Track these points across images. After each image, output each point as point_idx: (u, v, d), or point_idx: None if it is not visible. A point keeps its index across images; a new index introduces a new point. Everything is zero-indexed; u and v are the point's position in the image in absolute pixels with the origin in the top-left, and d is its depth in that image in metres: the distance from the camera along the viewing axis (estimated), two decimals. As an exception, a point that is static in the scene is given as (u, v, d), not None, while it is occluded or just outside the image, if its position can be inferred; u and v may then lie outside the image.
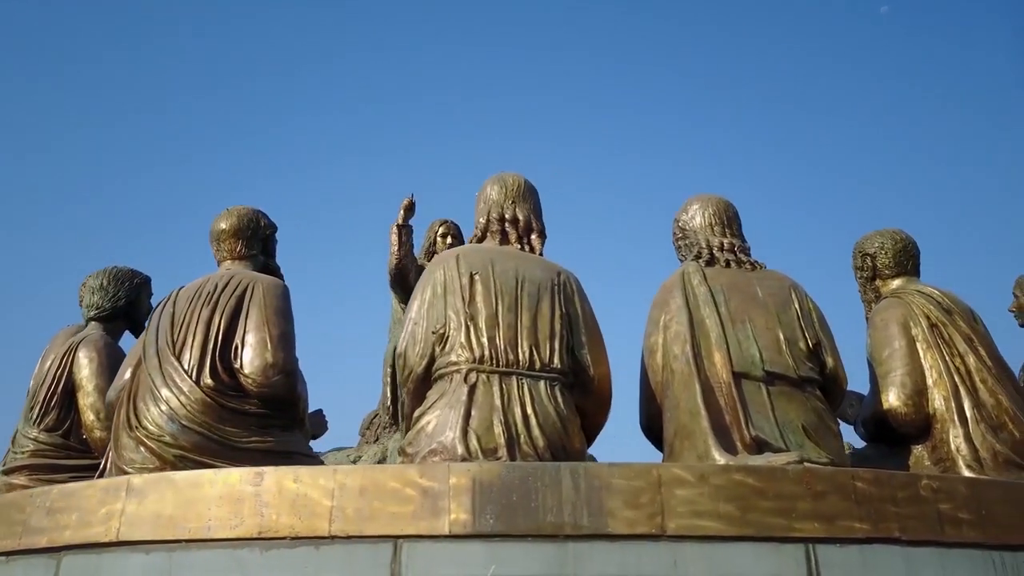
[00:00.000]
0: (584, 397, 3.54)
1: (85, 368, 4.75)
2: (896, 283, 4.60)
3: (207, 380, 3.69)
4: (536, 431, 3.20)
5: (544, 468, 2.95)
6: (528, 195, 4.05)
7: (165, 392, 3.64)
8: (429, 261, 8.16)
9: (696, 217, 4.32)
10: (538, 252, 3.88)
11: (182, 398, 3.63)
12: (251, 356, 3.80)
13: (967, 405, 4.00)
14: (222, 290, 3.99)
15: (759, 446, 3.43)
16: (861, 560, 2.97)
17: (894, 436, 4.17)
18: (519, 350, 3.35)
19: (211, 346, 3.78)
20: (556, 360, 3.39)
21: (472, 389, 3.26)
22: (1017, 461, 3.89)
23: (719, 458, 3.33)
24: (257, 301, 3.96)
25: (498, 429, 3.16)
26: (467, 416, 3.18)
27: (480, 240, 3.88)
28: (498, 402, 3.22)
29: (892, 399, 4.10)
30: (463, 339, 3.35)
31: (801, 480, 3.03)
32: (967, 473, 3.87)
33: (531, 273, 3.60)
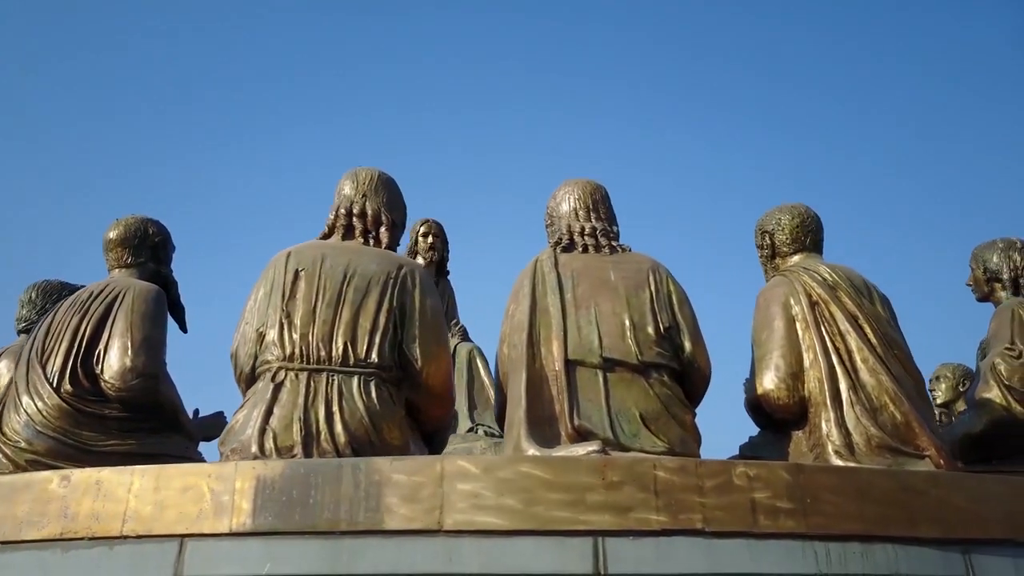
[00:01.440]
0: (414, 392, 3.49)
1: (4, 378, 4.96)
2: (793, 260, 4.36)
3: (67, 386, 3.81)
4: (339, 427, 3.17)
5: (325, 465, 2.92)
6: (381, 188, 4.01)
7: (26, 399, 3.78)
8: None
9: (562, 203, 4.20)
10: (385, 245, 3.84)
11: (40, 404, 3.75)
12: (111, 361, 3.89)
13: (843, 387, 3.75)
14: (95, 297, 4.10)
15: (583, 436, 3.31)
16: (656, 553, 2.83)
17: (772, 421, 3.96)
18: (333, 346, 3.32)
19: (74, 352, 3.90)
20: (374, 355, 3.35)
21: (278, 387, 3.26)
22: (893, 445, 3.63)
23: (529, 449, 3.23)
24: (125, 307, 4.05)
25: (296, 427, 3.15)
26: (267, 414, 3.19)
27: (327, 236, 3.87)
28: (301, 400, 3.21)
29: (766, 382, 3.89)
30: (275, 337, 3.35)
31: (596, 471, 2.90)
32: (835, 460, 3.64)
33: (364, 267, 3.57)
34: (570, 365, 3.50)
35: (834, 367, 3.80)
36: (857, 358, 3.82)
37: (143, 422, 3.95)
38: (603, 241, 3.99)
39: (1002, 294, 5.32)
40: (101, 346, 3.95)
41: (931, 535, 3.10)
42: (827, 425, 3.68)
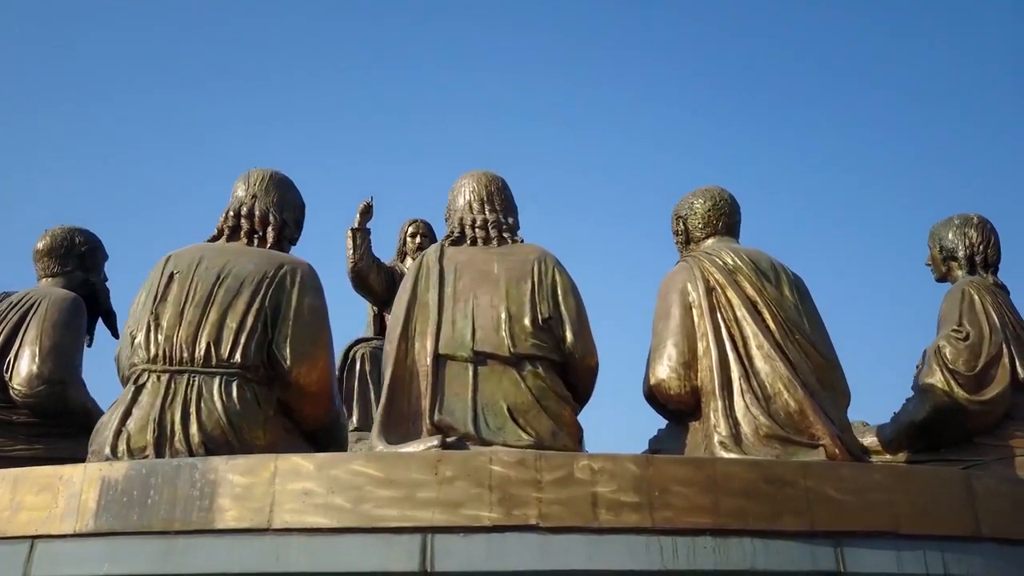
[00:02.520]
0: (285, 391, 3.50)
1: None
2: (706, 245, 4.21)
3: (-22, 394, 3.95)
4: (194, 428, 3.20)
5: (165, 465, 2.94)
6: (273, 188, 4.03)
7: None
8: (401, 261, 8.28)
9: (459, 196, 4.14)
10: (270, 244, 3.85)
11: (-48, 411, 3.90)
12: (20, 368, 4.02)
13: (735, 375, 3.61)
14: (13, 307, 4.24)
15: (443, 431, 3.26)
16: (487, 550, 2.77)
17: (669, 413, 3.84)
18: (196, 347, 3.35)
19: (-13, 360, 4.03)
20: (238, 355, 3.37)
21: (139, 389, 3.31)
22: (783, 435, 3.47)
23: (378, 446, 3.20)
24: (39, 315, 4.17)
25: (151, 428, 3.18)
26: (125, 416, 3.23)
27: (215, 238, 3.90)
28: (159, 401, 3.24)
29: (659, 372, 3.76)
30: (142, 340, 3.40)
31: (429, 467, 2.85)
32: (719, 451, 3.50)
33: (240, 268, 3.59)
34: (440, 360, 3.45)
35: (727, 355, 3.65)
36: (752, 345, 3.67)
37: (53, 427, 4.06)
38: (493, 233, 3.92)
39: (959, 273, 5.05)
40: (12, 354, 4.07)
41: (796, 528, 2.96)
42: (715, 415, 3.55)
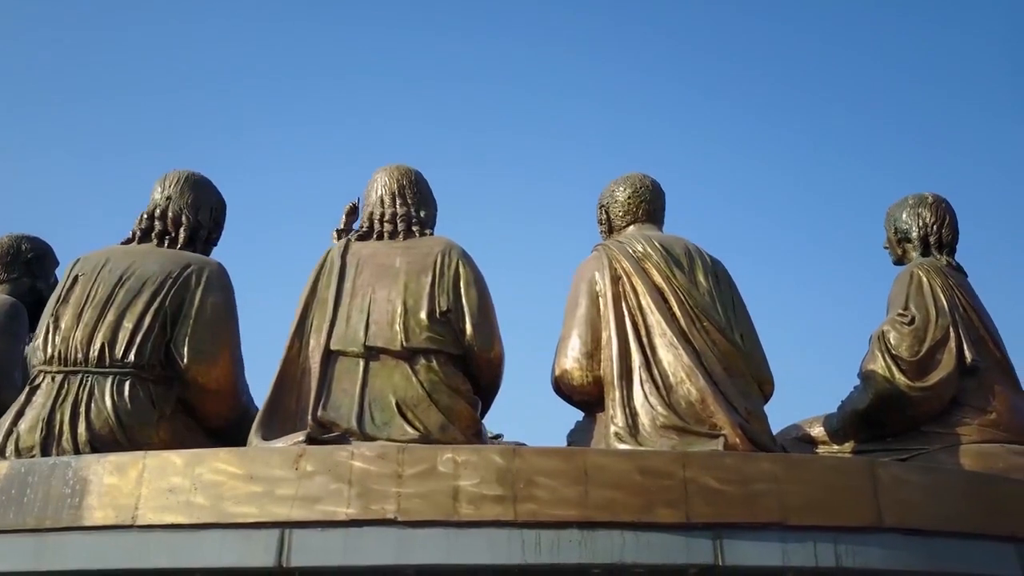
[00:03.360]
0: (184, 390, 3.53)
1: None
2: (626, 233, 4.12)
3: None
4: (82, 428, 3.25)
5: (41, 464, 2.99)
6: (188, 190, 4.06)
7: None
8: None
9: (372, 192, 4.12)
10: (181, 244, 3.89)
11: None
12: (-45, 373, 4.14)
13: (636, 365, 3.52)
14: (-49, 315, 4.36)
15: (326, 428, 3.25)
16: (344, 545, 2.75)
17: (575, 403, 3.76)
18: (91, 347, 3.40)
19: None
20: (132, 355, 3.41)
21: (33, 391, 3.37)
22: (680, 425, 3.37)
23: (254, 443, 3.20)
24: None
25: (39, 428, 3.24)
26: (17, 418, 3.30)
27: (129, 241, 3.94)
28: (50, 402, 3.30)
29: (563, 363, 3.69)
30: (41, 342, 3.46)
31: (289, 462, 2.85)
32: (615, 443, 3.41)
33: (144, 269, 3.63)
34: (332, 356, 3.44)
35: (628, 344, 3.56)
36: (655, 333, 3.57)
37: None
38: (401, 226, 3.90)
39: (914, 255, 4.85)
40: None
41: (671, 520, 2.87)
42: (612, 406, 3.46)
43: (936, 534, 3.19)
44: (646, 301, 3.64)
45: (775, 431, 3.85)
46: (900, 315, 4.43)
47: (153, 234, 3.91)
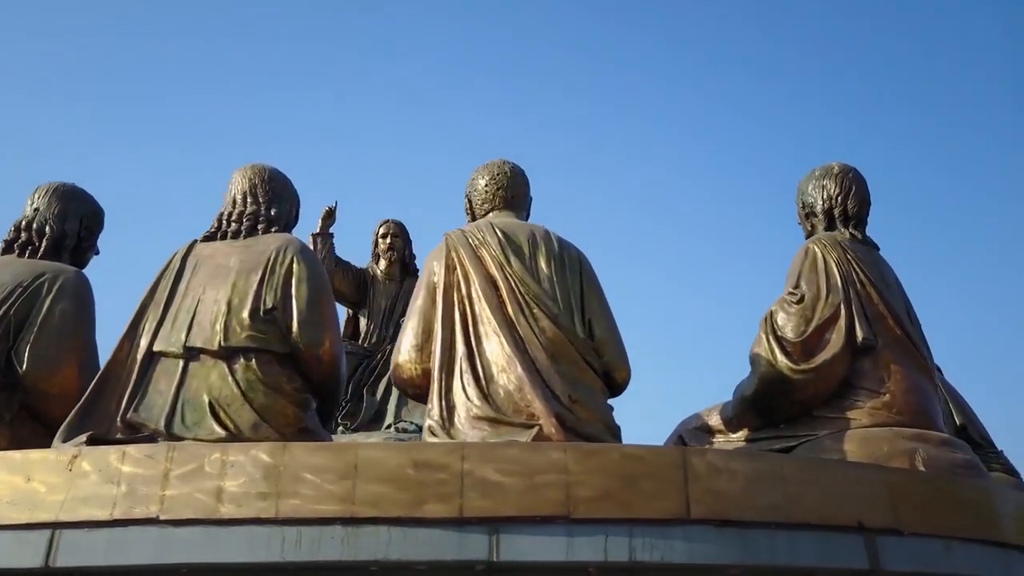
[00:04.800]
0: (27, 396, 3.64)
1: None
2: (477, 221, 4.01)
3: None
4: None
5: None
6: (55, 200, 4.15)
7: None
8: (375, 263, 8.40)
9: (227, 194, 4.11)
10: (41, 255, 3.99)
11: None
12: None
13: (459, 355, 3.41)
14: None
15: (134, 429, 3.27)
16: (108, 545, 2.76)
17: (411, 396, 3.68)
18: None
19: None
20: None
21: None
22: (493, 416, 3.25)
23: (55, 445, 3.24)
24: None
25: None
26: None
27: (2, 252, 4.07)
28: None
29: (397, 356, 3.61)
30: None
31: (63, 464, 2.88)
32: (427, 436, 3.32)
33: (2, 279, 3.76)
34: (155, 357, 3.47)
35: (454, 335, 3.47)
36: (481, 323, 3.47)
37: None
38: (247, 224, 3.89)
39: (820, 229, 4.56)
40: None
41: (443, 515, 2.78)
42: (432, 399, 3.38)
43: (757, 525, 2.99)
44: (476, 290, 3.53)
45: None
46: (790, 294, 4.18)
47: (16, 245, 4.03)
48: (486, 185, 4.09)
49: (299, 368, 3.59)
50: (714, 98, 19.08)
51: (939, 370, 6.76)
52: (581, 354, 3.51)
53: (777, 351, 4.01)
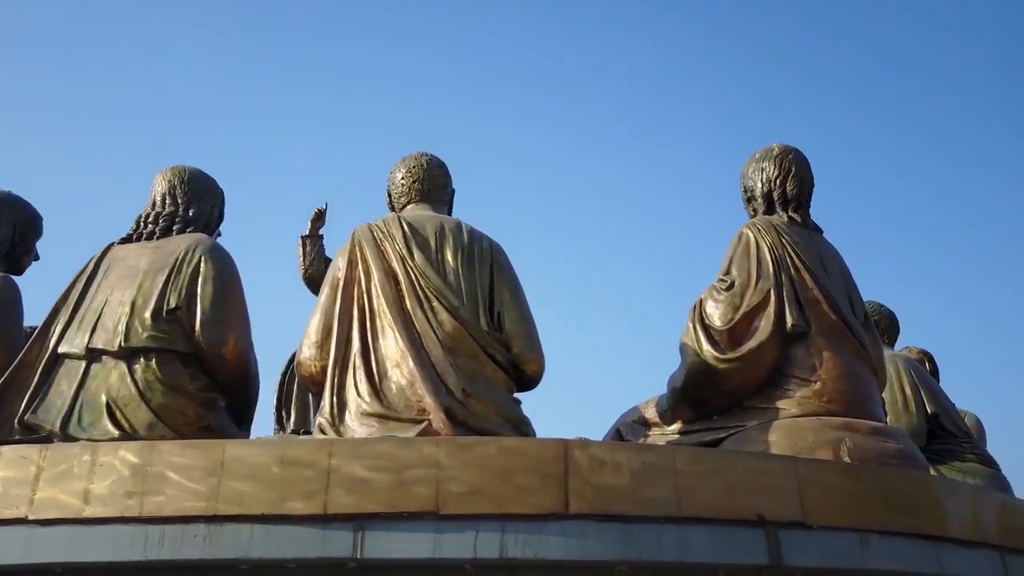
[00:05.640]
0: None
1: None
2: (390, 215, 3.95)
3: None
4: None
5: None
6: None
7: None
8: None
9: (149, 196, 4.14)
10: None
11: None
12: None
13: (355, 351, 3.36)
14: None
15: (31, 430, 3.30)
16: (-21, 544, 2.78)
17: (314, 394, 3.64)
18: None
19: None
20: None
21: None
22: (382, 412, 3.19)
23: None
24: None
25: None
26: None
27: None
28: None
29: (299, 354, 3.57)
30: None
31: None
32: (316, 434, 3.28)
33: None
34: (59, 358, 3.50)
35: (351, 331, 3.42)
36: (378, 318, 3.41)
37: None
38: (162, 224, 3.90)
39: (761, 214, 4.40)
40: None
41: (307, 511, 2.73)
42: (324, 396, 3.33)
43: (643, 520, 2.88)
44: (375, 285, 3.48)
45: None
46: (720, 280, 4.04)
47: None
48: (402, 178, 4.04)
49: (204, 367, 3.58)
50: (660, 94, 18.82)
51: (930, 358, 6.55)
52: (483, 347, 3.43)
53: (703, 340, 3.88)
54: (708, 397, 3.93)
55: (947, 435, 5.10)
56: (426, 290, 3.46)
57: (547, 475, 2.86)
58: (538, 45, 18.94)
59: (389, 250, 3.58)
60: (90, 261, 3.86)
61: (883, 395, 5.13)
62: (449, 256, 3.60)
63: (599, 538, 2.83)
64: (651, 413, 4.25)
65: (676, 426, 4.10)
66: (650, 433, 4.19)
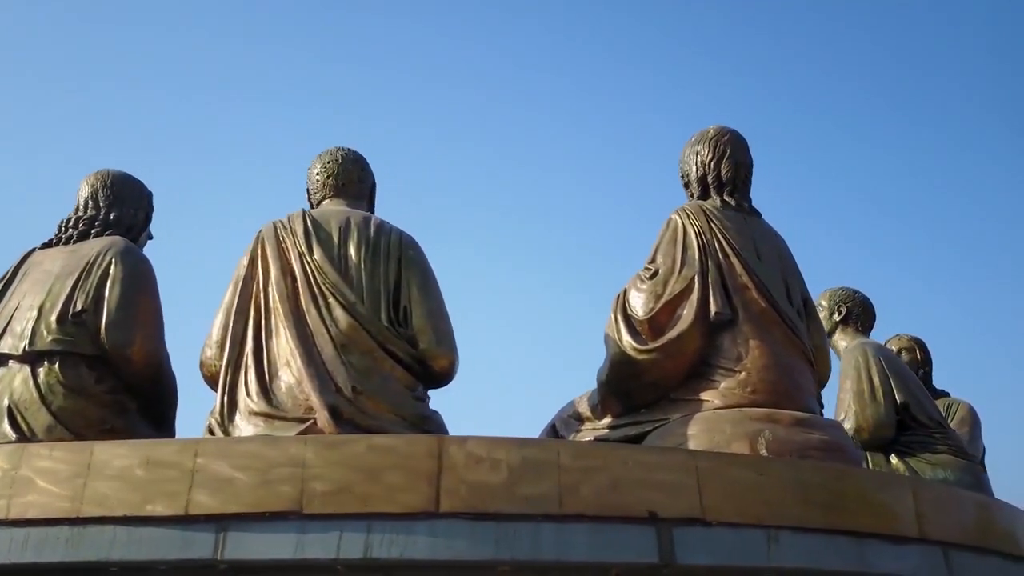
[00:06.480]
0: None
1: None
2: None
3: None
4: None
5: None
6: None
7: None
8: None
9: (77, 198, 4.16)
10: None
11: None
12: None
13: (248, 350, 3.31)
14: None
15: (-67, 435, 3.34)
16: None
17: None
18: None
19: None
20: None
21: None
22: (268, 412, 3.14)
23: None
24: None
25: None
26: None
27: None
28: None
29: (201, 354, 3.53)
30: None
31: None
32: (206, 433, 3.23)
33: None
34: (-23, 363, 3.54)
35: (246, 330, 3.38)
36: (273, 315, 3.36)
37: None
38: (81, 228, 3.91)
39: (696, 199, 4.23)
40: None
41: (169, 512, 2.69)
42: (216, 395, 3.29)
43: (520, 518, 2.78)
44: (270, 282, 3.44)
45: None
46: (645, 269, 3.90)
47: None
48: (317, 174, 3.99)
49: (112, 370, 3.58)
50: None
51: (921, 345, 6.26)
52: (380, 343, 3.35)
53: (624, 331, 3.75)
54: (632, 390, 3.79)
55: (918, 426, 4.85)
56: (322, 286, 3.40)
57: (418, 473, 2.78)
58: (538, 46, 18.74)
59: (289, 247, 3.53)
60: (11, 267, 3.90)
61: (850, 385, 4.95)
62: (352, 251, 3.54)
63: (471, 538, 2.73)
64: (584, 408, 4.12)
65: (607, 420, 3.97)
66: (583, 428, 4.06)
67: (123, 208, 4.08)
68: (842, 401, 4.94)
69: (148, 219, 4.26)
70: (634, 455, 2.98)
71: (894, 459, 4.77)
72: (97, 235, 3.92)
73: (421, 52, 18.43)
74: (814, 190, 18.58)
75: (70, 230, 3.95)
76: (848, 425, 4.80)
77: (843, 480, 3.27)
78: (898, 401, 4.85)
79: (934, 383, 6.40)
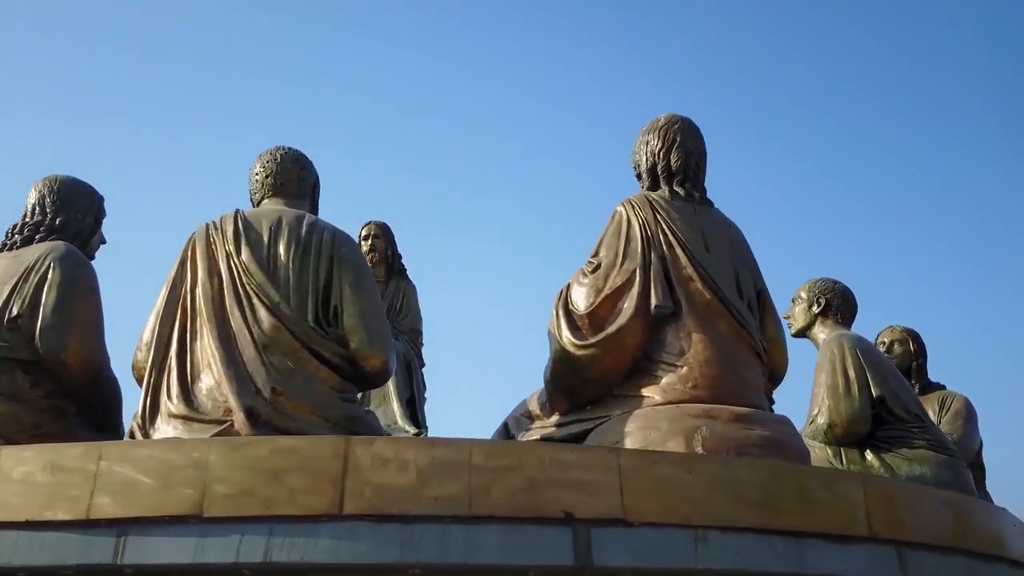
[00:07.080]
0: None
1: None
2: None
3: None
4: None
5: None
6: None
7: None
8: None
9: (26, 203, 4.18)
10: None
11: None
12: None
13: (173, 353, 3.28)
14: None
15: None
16: None
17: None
18: None
19: None
20: None
21: None
22: (185, 414, 3.10)
23: None
24: None
25: None
26: None
27: None
28: None
29: (133, 357, 3.52)
30: None
31: None
32: (127, 438, 3.21)
33: None
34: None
35: (172, 332, 3.35)
36: (198, 317, 3.33)
37: None
38: (26, 235, 3.92)
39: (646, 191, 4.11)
40: None
41: (71, 517, 2.67)
42: (140, 398, 3.27)
43: (426, 520, 2.71)
44: (199, 284, 3.41)
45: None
46: (588, 263, 3.80)
47: None
48: (256, 174, 3.95)
49: (48, 375, 3.59)
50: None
51: (914, 337, 6.05)
52: (304, 344, 3.30)
53: (564, 327, 3.66)
54: (575, 386, 3.70)
55: (896, 420, 4.66)
56: (247, 287, 3.36)
57: (322, 475, 2.72)
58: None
59: (218, 247, 3.50)
60: (-45, 274, 3.93)
61: (824, 378, 4.78)
62: (282, 250, 3.49)
63: (374, 540, 2.67)
64: (534, 406, 4.03)
65: (554, 418, 3.88)
66: (532, 426, 3.97)
67: (70, 213, 4.09)
68: (816, 395, 4.77)
69: (98, 223, 4.26)
70: (552, 454, 2.89)
71: (869, 454, 4.59)
72: (41, 240, 3.93)
73: (426, 40, 18.51)
74: (814, 189, 18.31)
75: (15, 236, 3.98)
76: (821, 420, 4.64)
77: (780, 478, 3.13)
78: (874, 395, 4.67)
79: (929, 376, 6.20)
